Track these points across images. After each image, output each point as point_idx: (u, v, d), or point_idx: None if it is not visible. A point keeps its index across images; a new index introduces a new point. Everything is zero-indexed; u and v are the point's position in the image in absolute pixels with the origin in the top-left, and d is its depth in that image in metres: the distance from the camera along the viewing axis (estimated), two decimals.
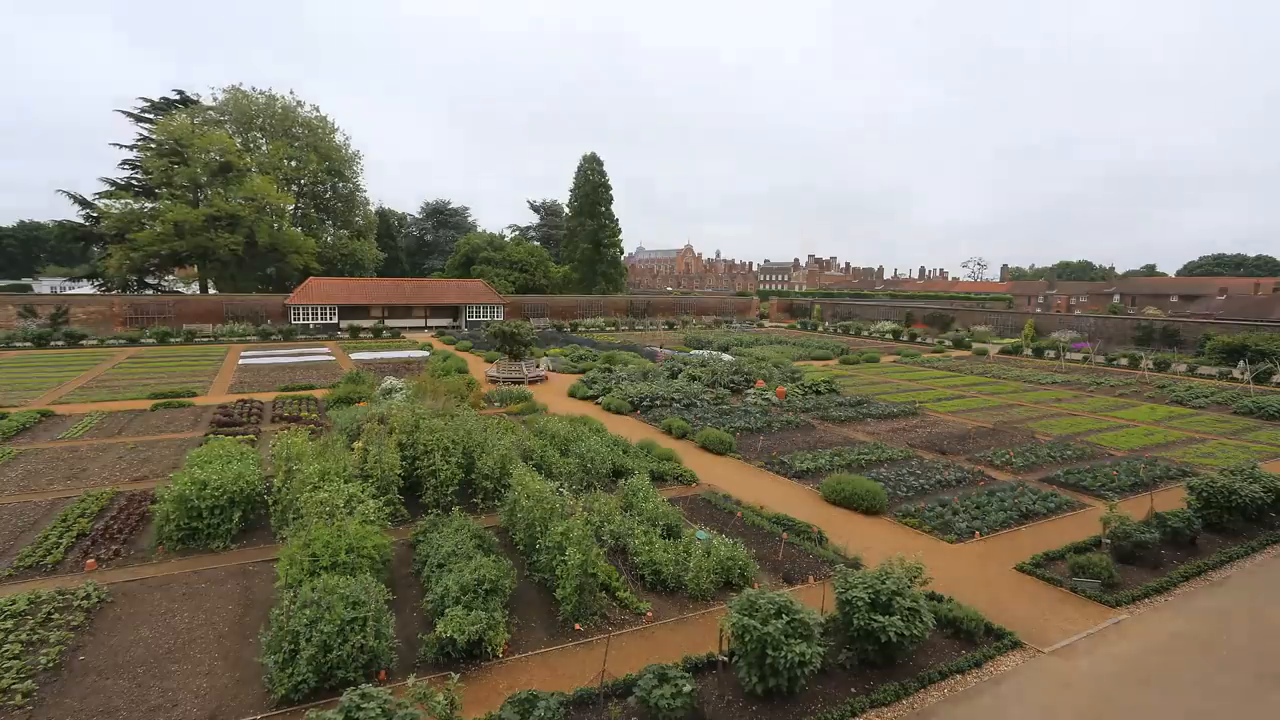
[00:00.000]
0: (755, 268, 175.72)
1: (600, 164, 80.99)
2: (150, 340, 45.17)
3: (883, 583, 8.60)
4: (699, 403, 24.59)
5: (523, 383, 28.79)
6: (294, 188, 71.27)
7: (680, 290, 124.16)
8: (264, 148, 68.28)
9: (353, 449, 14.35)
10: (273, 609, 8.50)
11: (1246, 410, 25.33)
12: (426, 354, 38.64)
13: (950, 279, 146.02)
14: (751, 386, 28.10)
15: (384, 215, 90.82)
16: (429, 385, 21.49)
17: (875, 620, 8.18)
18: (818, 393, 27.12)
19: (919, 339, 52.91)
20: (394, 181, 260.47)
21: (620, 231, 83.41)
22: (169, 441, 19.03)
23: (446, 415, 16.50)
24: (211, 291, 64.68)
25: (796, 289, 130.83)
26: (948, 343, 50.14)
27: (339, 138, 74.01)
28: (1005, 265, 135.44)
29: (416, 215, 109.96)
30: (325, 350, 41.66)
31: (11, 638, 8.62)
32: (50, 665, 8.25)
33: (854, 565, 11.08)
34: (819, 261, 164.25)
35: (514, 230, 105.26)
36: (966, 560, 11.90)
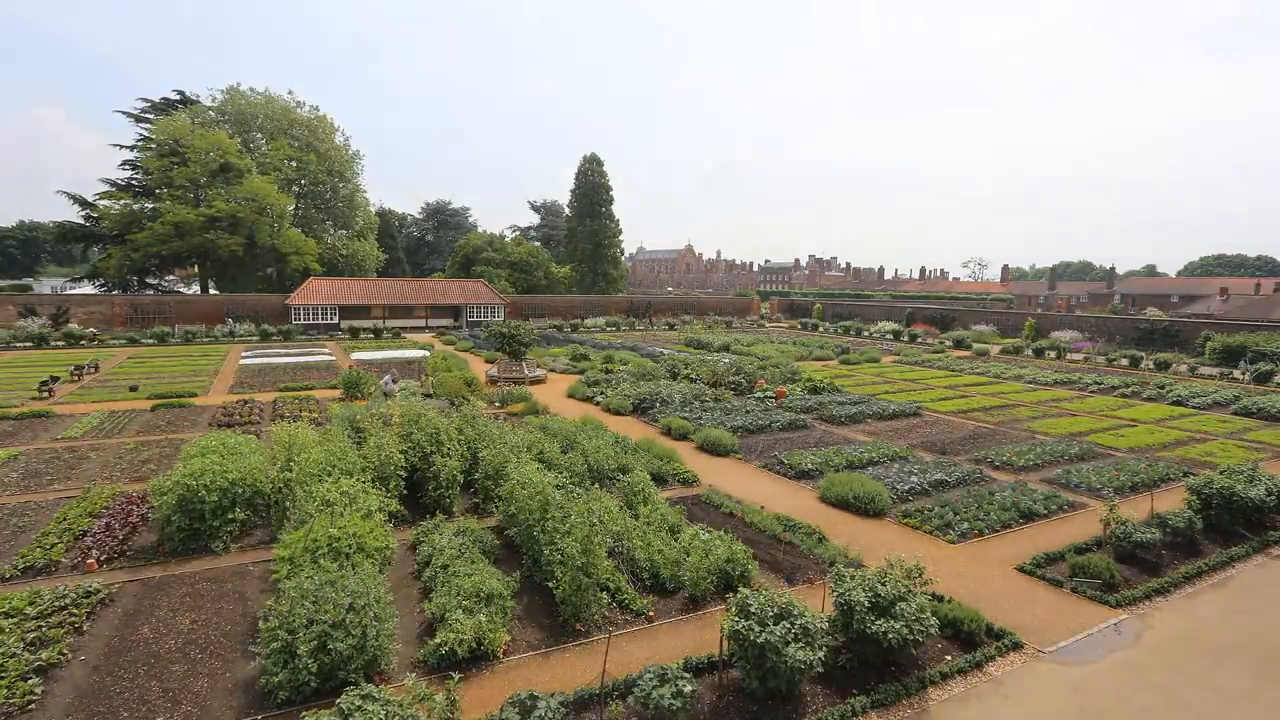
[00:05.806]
0: (756, 268, 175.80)
1: (600, 164, 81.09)
2: (150, 340, 45.12)
3: (882, 584, 8.59)
4: (698, 403, 24.59)
5: (523, 383, 28.80)
6: (294, 189, 71.26)
7: (681, 290, 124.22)
8: (264, 148, 68.30)
9: (356, 444, 14.33)
10: (270, 603, 8.46)
11: (1246, 411, 25.33)
12: (427, 354, 38.63)
13: (950, 279, 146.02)
14: (753, 386, 28.07)
15: (384, 216, 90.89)
16: (437, 383, 21.57)
17: (875, 624, 8.17)
18: (818, 391, 27.11)
19: (919, 339, 52.86)
20: None
21: (621, 231, 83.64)
22: (169, 441, 19.03)
23: (455, 411, 16.51)
24: (212, 292, 64.66)
25: (797, 289, 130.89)
26: (948, 343, 50.10)
27: (339, 138, 74.09)
28: (1006, 265, 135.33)
29: (417, 216, 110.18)
30: (326, 350, 41.64)
31: (12, 638, 8.61)
32: (50, 665, 8.24)
33: (855, 565, 11.07)
34: (819, 262, 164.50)
35: (514, 230, 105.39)
36: (967, 560, 11.89)
